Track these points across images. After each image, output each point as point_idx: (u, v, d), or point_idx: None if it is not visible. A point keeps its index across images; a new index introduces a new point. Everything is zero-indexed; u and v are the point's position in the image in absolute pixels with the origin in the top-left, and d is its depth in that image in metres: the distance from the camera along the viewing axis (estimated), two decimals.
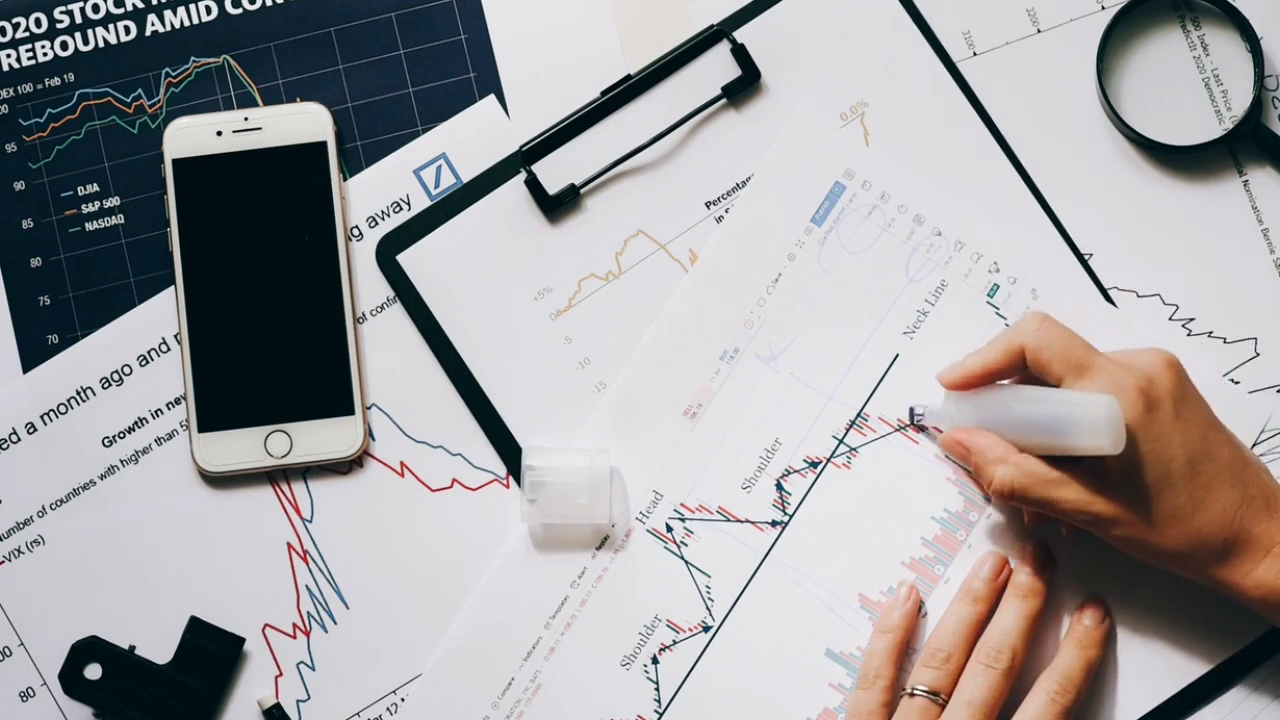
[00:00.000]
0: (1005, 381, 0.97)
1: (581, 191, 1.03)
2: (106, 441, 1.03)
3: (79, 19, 1.05)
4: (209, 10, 1.05)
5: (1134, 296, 1.02)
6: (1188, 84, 1.03)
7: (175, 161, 1.03)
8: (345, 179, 1.04)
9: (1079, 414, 0.91)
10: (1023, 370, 0.96)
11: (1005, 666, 0.95)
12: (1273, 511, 0.93)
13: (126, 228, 1.04)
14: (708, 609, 1.01)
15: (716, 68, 1.04)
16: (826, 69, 1.03)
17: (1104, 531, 0.93)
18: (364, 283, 1.04)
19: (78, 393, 1.03)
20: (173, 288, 1.03)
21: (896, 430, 1.02)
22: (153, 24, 1.05)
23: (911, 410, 1.00)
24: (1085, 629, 0.97)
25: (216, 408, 1.02)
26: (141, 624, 1.02)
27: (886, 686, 0.97)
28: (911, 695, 0.96)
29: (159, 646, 1.02)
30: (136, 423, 1.03)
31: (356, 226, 1.04)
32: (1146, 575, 0.99)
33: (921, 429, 1.01)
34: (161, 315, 1.04)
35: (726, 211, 1.03)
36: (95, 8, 1.05)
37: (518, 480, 1.02)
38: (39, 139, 1.05)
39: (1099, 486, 0.92)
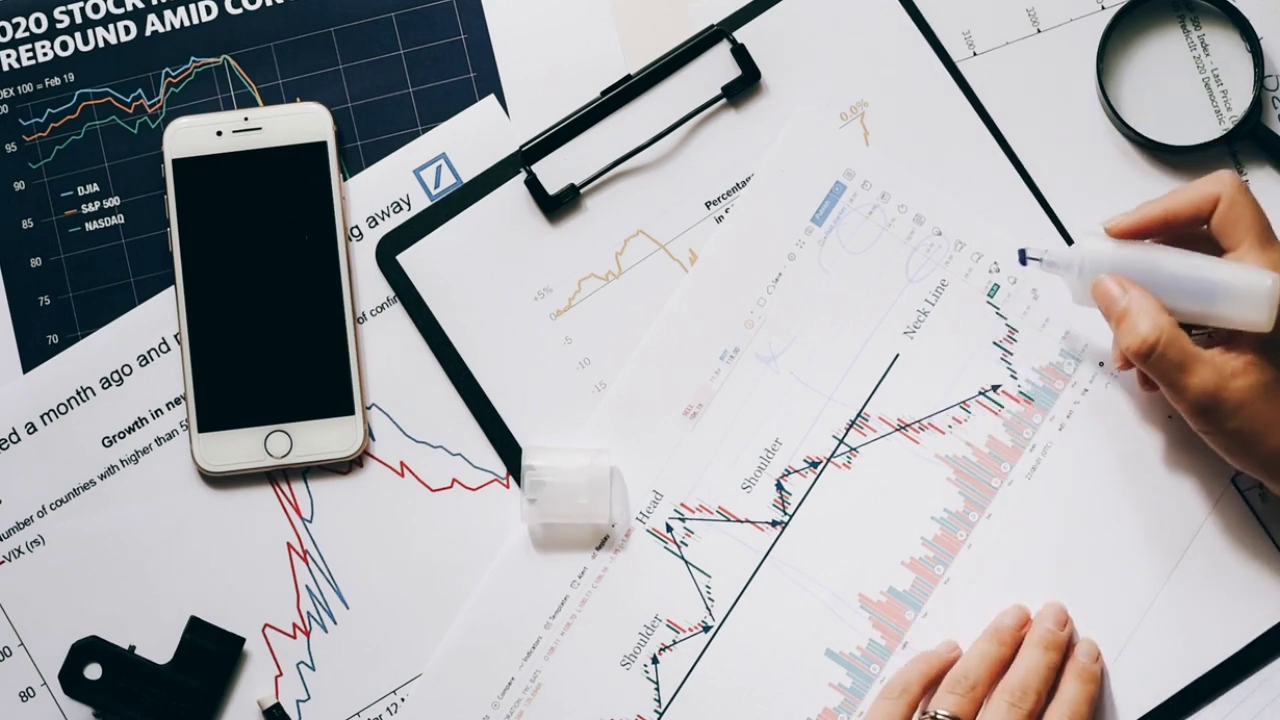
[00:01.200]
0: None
1: (581, 191, 1.03)
2: (106, 441, 1.03)
3: (79, 19, 1.05)
4: (209, 10, 1.05)
5: None
6: (1188, 84, 1.03)
7: (175, 161, 1.03)
8: (345, 179, 1.04)
9: (1240, 284, 0.90)
10: (1190, 228, 0.94)
11: (1029, 708, 0.95)
12: None
13: (126, 228, 1.04)
14: (708, 609, 1.01)
15: (716, 68, 1.04)
16: (826, 69, 1.03)
17: (1219, 423, 0.92)
18: (364, 283, 1.04)
19: (78, 393, 1.03)
20: (173, 288, 1.03)
21: (897, 430, 1.02)
22: (153, 24, 1.05)
23: (1023, 252, 0.96)
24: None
25: (216, 408, 1.02)
26: (141, 624, 1.02)
27: (910, 703, 0.97)
28: (933, 718, 0.96)
29: (159, 646, 1.02)
30: (136, 423, 1.03)
31: (356, 226, 1.04)
32: (1146, 577, 1.00)
33: (1026, 261, 0.96)
34: (161, 315, 1.04)
35: (726, 211, 1.03)
36: (95, 8, 1.05)
37: (518, 480, 1.02)
38: (39, 139, 1.05)
39: (1231, 372, 0.91)
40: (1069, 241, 1.02)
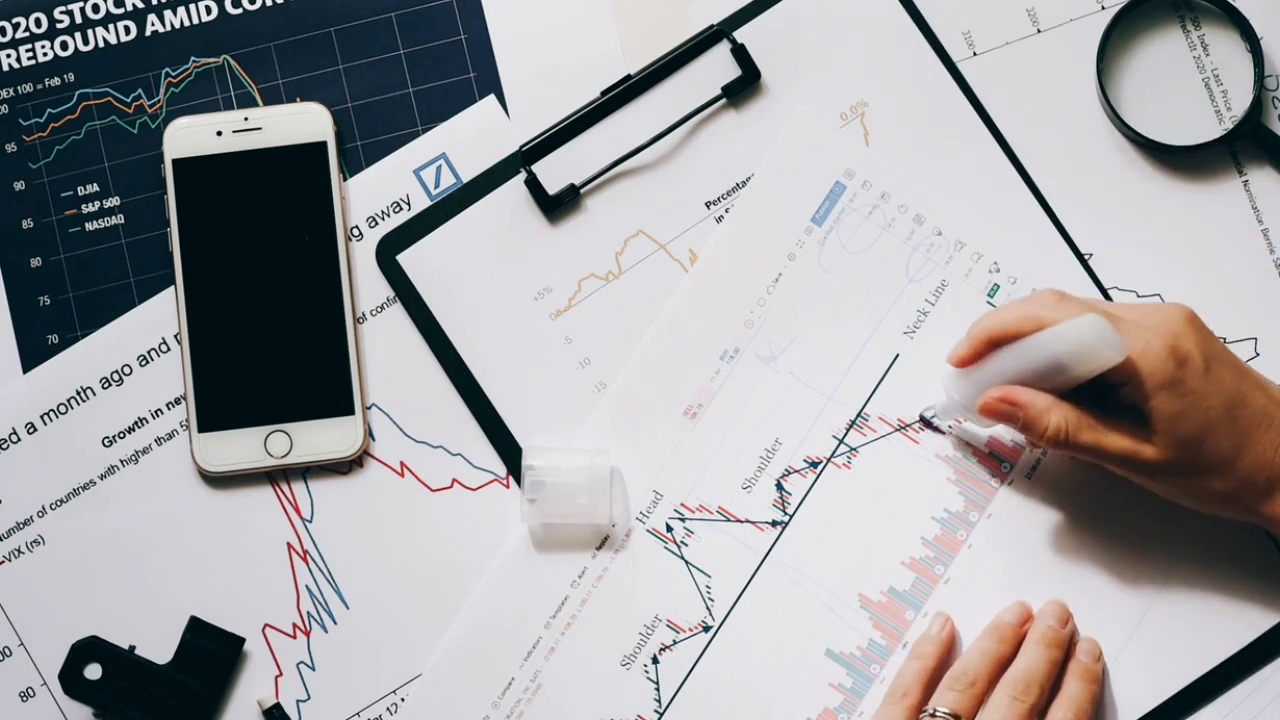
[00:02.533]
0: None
1: (581, 191, 1.03)
2: (106, 441, 1.03)
3: (79, 19, 1.05)
4: (209, 10, 1.05)
5: (1134, 296, 1.02)
6: (1188, 84, 1.03)
7: (175, 161, 1.03)
8: (345, 179, 1.04)
9: (1071, 347, 0.91)
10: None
11: (1032, 702, 0.95)
12: None
13: (126, 228, 1.04)
14: (708, 609, 1.01)
15: (716, 68, 1.04)
16: (826, 69, 1.03)
17: (1152, 478, 0.94)
18: (364, 283, 1.04)
19: (78, 393, 1.03)
20: (173, 288, 1.03)
21: (897, 430, 1.02)
22: (153, 24, 1.05)
23: (921, 416, 1.01)
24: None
25: (216, 408, 1.02)
26: (141, 624, 1.02)
27: (913, 705, 0.97)
28: (933, 716, 0.96)
29: (159, 646, 1.02)
30: (136, 423, 1.03)
31: (356, 226, 1.04)
32: (1146, 577, 1.00)
33: (933, 428, 1.01)
34: (161, 315, 1.04)
35: (726, 211, 1.03)
36: (95, 8, 1.05)
37: (518, 480, 1.02)
38: (39, 139, 1.05)
39: (1146, 435, 0.93)
40: (1069, 242, 1.02)
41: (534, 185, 1.03)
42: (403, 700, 1.02)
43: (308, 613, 1.02)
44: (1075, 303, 0.94)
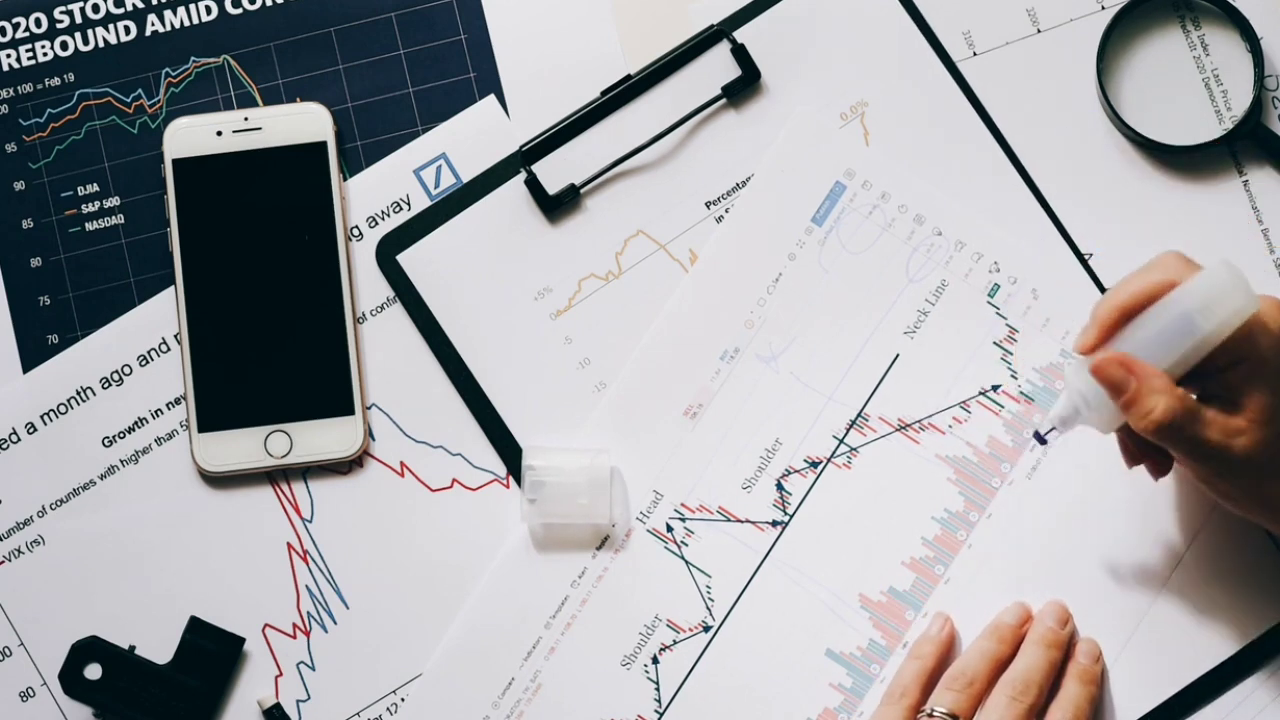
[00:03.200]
0: None
1: (581, 191, 1.03)
2: (106, 441, 1.03)
3: (79, 19, 1.05)
4: (209, 10, 1.05)
5: None
6: (1188, 84, 1.03)
7: (175, 161, 1.03)
8: (345, 179, 1.04)
9: (1202, 295, 0.88)
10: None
11: (1031, 702, 0.95)
12: None
13: (126, 228, 1.04)
14: (708, 609, 1.01)
15: (716, 68, 1.04)
16: (826, 69, 1.03)
17: (1227, 479, 0.91)
18: (364, 283, 1.04)
19: (78, 393, 1.03)
20: (173, 288, 1.03)
21: (897, 430, 1.02)
22: (153, 24, 1.05)
23: (1037, 433, 0.94)
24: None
25: (216, 408, 1.02)
26: (141, 624, 1.02)
27: (911, 706, 0.96)
28: (931, 716, 0.96)
29: (159, 646, 1.02)
30: (136, 423, 1.03)
31: (356, 226, 1.04)
32: (1146, 577, 1.00)
33: (1043, 440, 0.95)
34: (161, 315, 1.04)
35: (726, 211, 1.03)
36: (95, 8, 1.05)
37: (518, 480, 1.02)
38: (39, 139, 1.05)
39: (1236, 429, 0.89)
40: (1069, 241, 1.02)
41: (534, 185, 1.03)
42: (403, 700, 1.02)
43: (308, 613, 1.02)
44: (1197, 263, 0.91)
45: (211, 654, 1.01)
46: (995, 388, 1.02)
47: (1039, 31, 1.04)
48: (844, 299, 1.02)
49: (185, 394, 1.03)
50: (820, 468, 1.02)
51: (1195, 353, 0.89)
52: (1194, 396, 0.90)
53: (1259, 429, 0.89)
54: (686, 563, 1.02)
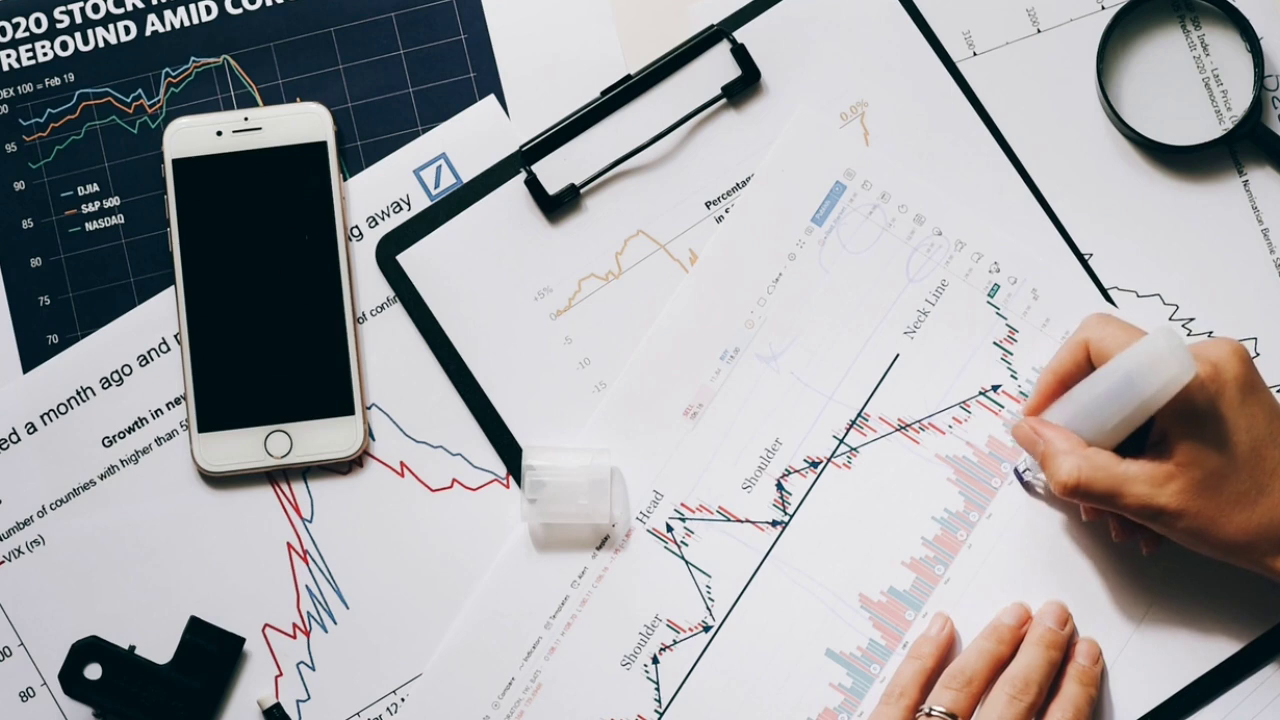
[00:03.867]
0: None
1: (581, 191, 1.03)
2: (106, 441, 1.03)
3: (79, 19, 1.05)
4: (209, 10, 1.05)
5: (1134, 296, 1.02)
6: (1188, 84, 1.03)
7: (175, 161, 1.03)
8: (345, 179, 1.04)
9: (1140, 361, 0.90)
10: (1084, 374, 0.95)
11: (1030, 701, 0.95)
12: None
13: (126, 228, 1.04)
14: (708, 609, 1.01)
15: (716, 68, 1.04)
16: (826, 69, 1.03)
17: (1168, 525, 0.92)
18: (364, 283, 1.04)
19: (78, 393, 1.03)
20: (173, 288, 1.03)
21: (897, 430, 1.02)
22: (153, 24, 1.05)
23: (1015, 470, 1.00)
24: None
25: (216, 408, 1.02)
26: (141, 624, 1.02)
27: (909, 706, 0.97)
28: (929, 715, 0.96)
29: (159, 646, 1.02)
30: (136, 423, 1.03)
31: (356, 226, 1.04)
32: (1146, 577, 1.00)
33: (1028, 488, 1.00)
34: (161, 315, 1.04)
35: (726, 211, 1.03)
36: (95, 8, 1.05)
37: (518, 480, 1.02)
38: (39, 139, 1.05)
39: (1163, 478, 0.92)
40: (1069, 242, 1.02)
41: (534, 185, 1.03)
42: (403, 700, 1.02)
43: (308, 613, 1.02)
44: (1119, 323, 0.94)
45: (211, 654, 1.01)
46: (995, 388, 1.02)
47: (1039, 31, 1.04)
48: (844, 299, 1.02)
49: (185, 394, 1.03)
50: (820, 468, 1.02)
51: (1139, 414, 0.91)
52: (1114, 454, 0.92)
53: (1186, 472, 0.91)
54: (686, 563, 1.02)
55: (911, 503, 1.01)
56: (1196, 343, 0.94)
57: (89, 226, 1.04)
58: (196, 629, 1.01)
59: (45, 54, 1.05)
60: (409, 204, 1.04)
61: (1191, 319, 1.02)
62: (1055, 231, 1.03)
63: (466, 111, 1.04)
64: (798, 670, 1.01)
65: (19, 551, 1.03)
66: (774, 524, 1.02)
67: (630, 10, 1.05)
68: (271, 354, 1.02)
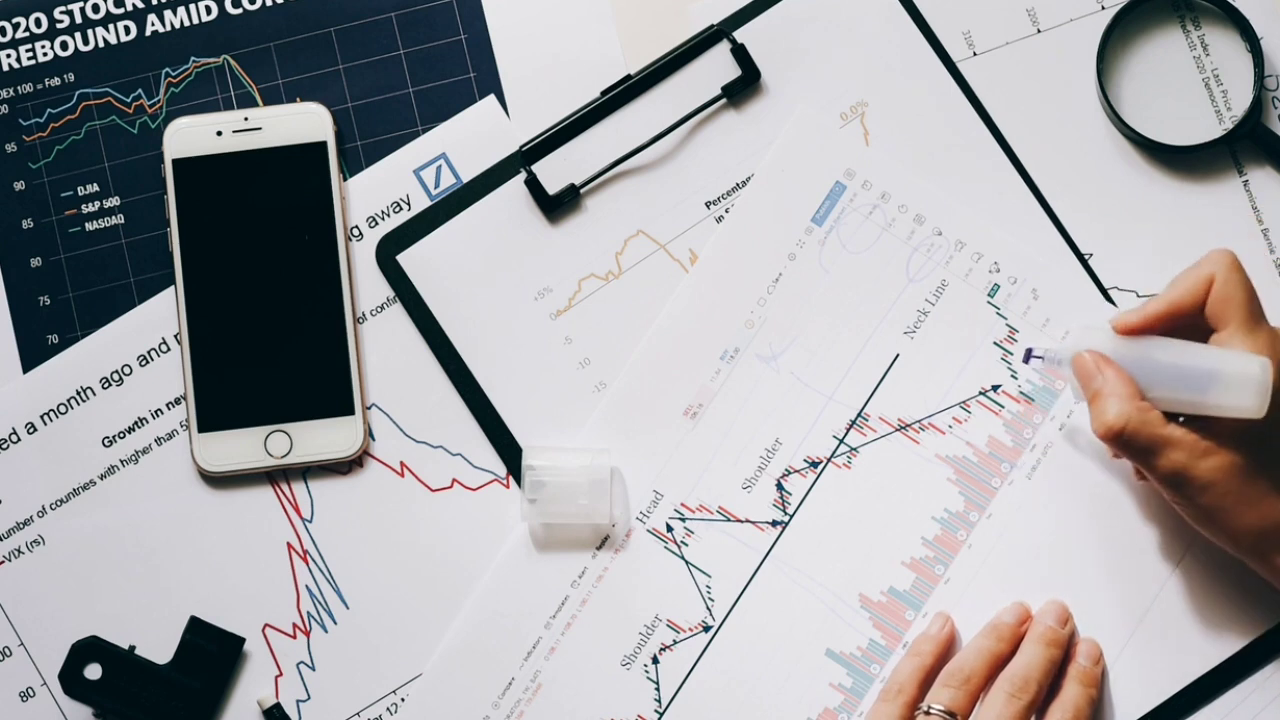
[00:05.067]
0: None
1: (581, 191, 1.03)
2: (106, 441, 1.03)
3: (79, 19, 1.05)
4: (209, 10, 1.05)
5: (1134, 296, 1.02)
6: (1188, 84, 1.03)
7: (175, 161, 1.03)
8: (345, 179, 1.04)
9: (1230, 369, 0.90)
10: (1194, 317, 0.93)
11: (1030, 699, 0.95)
12: None
13: (126, 228, 1.04)
14: (708, 609, 1.01)
15: (716, 68, 1.04)
16: (826, 69, 1.03)
17: (1189, 498, 0.92)
18: (364, 283, 1.04)
19: (78, 393, 1.03)
20: (173, 288, 1.03)
21: (897, 430, 1.02)
22: (153, 24, 1.05)
23: (1029, 350, 0.96)
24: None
25: (216, 408, 1.02)
26: (141, 624, 1.02)
27: (908, 703, 0.96)
28: (928, 713, 0.96)
29: (159, 646, 1.02)
30: (136, 423, 1.03)
31: (356, 226, 1.04)
32: (1146, 577, 1.00)
33: (1028, 361, 0.97)
34: (161, 315, 1.04)
35: (726, 211, 1.03)
36: (95, 8, 1.05)
37: (518, 480, 1.02)
38: (39, 139, 1.05)
39: (1204, 451, 0.91)
40: (1069, 241, 1.02)
41: (534, 185, 1.03)
42: (403, 700, 1.02)
43: (308, 613, 1.02)
44: (1246, 276, 0.92)
45: (211, 654, 1.01)
46: (995, 388, 1.02)
47: (1039, 31, 1.04)
48: (844, 299, 1.02)
49: (185, 394, 1.03)
50: (820, 468, 1.02)
51: (1193, 408, 0.91)
52: (1163, 415, 0.92)
53: (1226, 451, 0.91)
54: (686, 563, 1.02)
55: (911, 503, 1.01)
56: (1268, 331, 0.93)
57: (89, 226, 1.04)
58: (196, 629, 1.01)
59: (45, 54, 1.05)
60: (409, 204, 1.04)
61: None
62: (1055, 231, 1.03)
63: (466, 111, 1.04)
64: (798, 670, 1.01)
65: (19, 551, 1.03)
66: (774, 524, 1.02)
67: (630, 10, 1.05)
68: (271, 354, 1.02)
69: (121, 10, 1.05)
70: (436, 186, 1.04)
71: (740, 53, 1.03)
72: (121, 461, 1.03)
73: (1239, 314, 0.92)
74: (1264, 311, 0.93)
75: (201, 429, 1.02)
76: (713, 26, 1.04)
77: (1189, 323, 0.94)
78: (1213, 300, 0.93)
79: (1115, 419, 0.91)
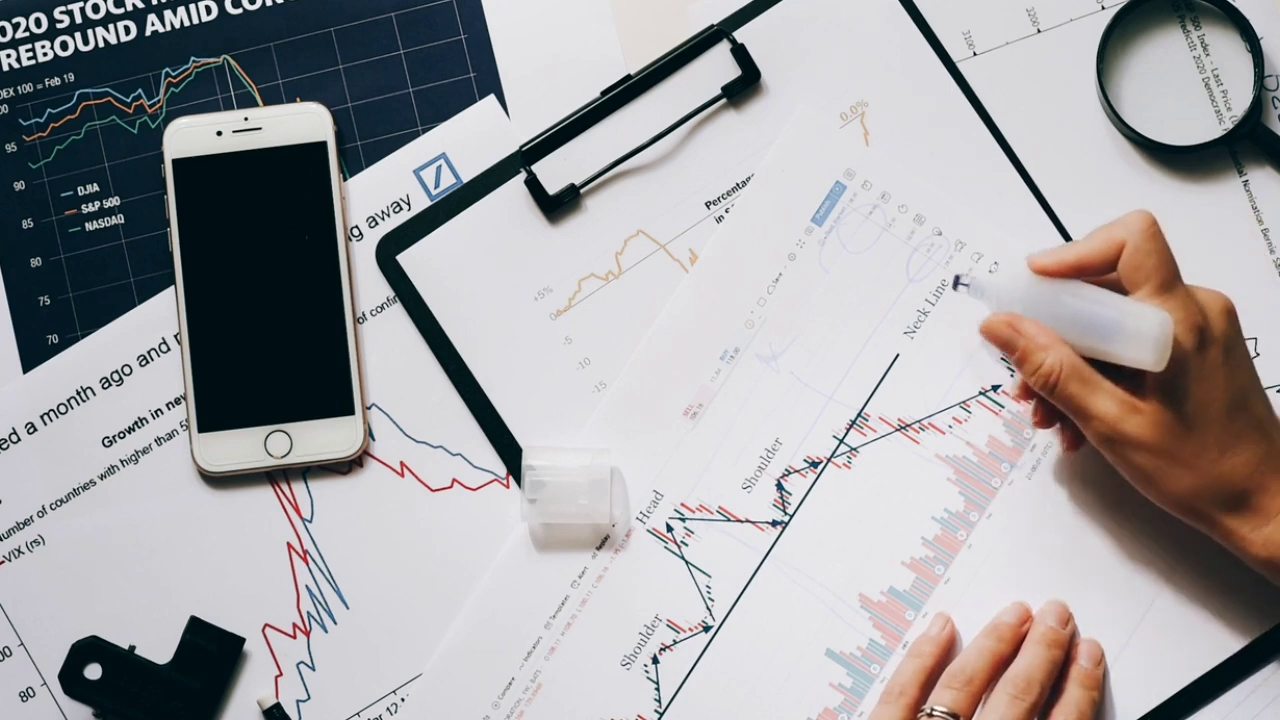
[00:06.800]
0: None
1: (581, 191, 1.03)
2: (106, 441, 1.03)
3: (79, 19, 1.05)
4: (209, 10, 1.05)
5: None
6: (1188, 84, 1.03)
7: (175, 161, 1.03)
8: (345, 179, 1.04)
9: (1131, 323, 0.91)
10: (1102, 272, 0.94)
11: (1033, 701, 0.95)
12: None
13: (126, 228, 1.04)
14: (708, 609, 1.01)
15: (716, 68, 1.04)
16: (826, 69, 1.03)
17: (1123, 455, 0.93)
18: (364, 283, 1.04)
19: (78, 393, 1.03)
20: (173, 288, 1.03)
21: (897, 430, 1.02)
22: (153, 24, 1.05)
23: (957, 277, 0.97)
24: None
25: (216, 408, 1.02)
26: (141, 624, 1.02)
27: (909, 704, 0.96)
28: (931, 715, 0.95)
29: (159, 646, 1.02)
30: (136, 423, 1.03)
31: (356, 226, 1.04)
32: (1146, 577, 1.00)
33: (956, 288, 0.97)
34: (161, 315, 1.04)
35: (726, 211, 1.03)
36: (95, 8, 1.05)
37: (518, 480, 1.02)
38: (39, 139, 1.05)
39: (1134, 407, 0.92)
40: (1067, 237, 1.02)
41: (534, 185, 1.03)
42: (403, 700, 1.02)
43: (308, 613, 1.02)
44: (1163, 240, 0.93)
45: (211, 654, 1.01)
46: (995, 388, 1.02)
47: (1039, 31, 1.04)
48: (844, 299, 1.02)
49: (185, 394, 1.03)
50: (820, 468, 1.02)
51: (1101, 354, 0.92)
52: (1089, 363, 0.93)
53: (1157, 408, 0.92)
54: (686, 563, 1.02)
55: (911, 503, 1.01)
56: (1196, 285, 0.94)
57: (89, 226, 1.04)
58: (196, 629, 1.01)
59: (45, 54, 1.05)
60: (409, 204, 1.04)
61: None
62: (1055, 231, 1.03)
63: (466, 111, 1.04)
64: (798, 670, 1.01)
65: (19, 551, 1.03)
66: (774, 524, 1.02)
67: (630, 10, 1.05)
68: (271, 354, 1.02)
69: (121, 10, 1.05)
70: (436, 186, 1.04)
71: (740, 53, 1.03)
72: (121, 461, 1.03)
73: (1150, 280, 0.93)
74: (1179, 274, 0.93)
75: (201, 429, 1.02)
76: (713, 26, 1.04)
77: (1102, 276, 0.94)
78: (1123, 265, 0.93)
79: (1051, 367, 0.92)
